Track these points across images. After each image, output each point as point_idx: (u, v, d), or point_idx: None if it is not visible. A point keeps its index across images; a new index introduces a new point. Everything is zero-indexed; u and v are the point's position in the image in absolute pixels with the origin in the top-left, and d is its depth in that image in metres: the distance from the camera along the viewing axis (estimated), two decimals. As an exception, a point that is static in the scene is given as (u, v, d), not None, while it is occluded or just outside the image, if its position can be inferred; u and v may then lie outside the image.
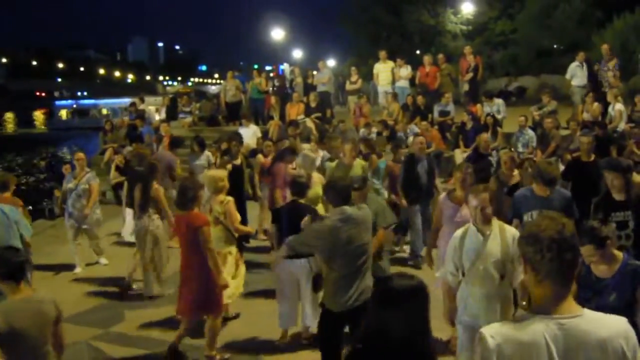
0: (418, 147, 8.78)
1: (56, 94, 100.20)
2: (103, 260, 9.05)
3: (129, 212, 8.80)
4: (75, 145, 26.20)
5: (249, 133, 13.20)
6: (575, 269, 2.28)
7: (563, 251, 2.21)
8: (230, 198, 6.72)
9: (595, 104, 13.02)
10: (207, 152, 11.05)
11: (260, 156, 10.29)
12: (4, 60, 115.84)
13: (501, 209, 6.74)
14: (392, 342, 2.43)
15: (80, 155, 9.22)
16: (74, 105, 52.51)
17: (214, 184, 6.69)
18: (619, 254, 4.17)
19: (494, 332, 2.24)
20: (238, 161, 9.74)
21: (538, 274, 2.26)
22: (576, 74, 14.79)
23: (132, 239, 8.83)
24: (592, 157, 7.62)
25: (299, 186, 6.23)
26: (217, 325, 5.94)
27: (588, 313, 2.26)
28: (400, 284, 2.54)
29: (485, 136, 10.41)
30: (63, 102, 62.77)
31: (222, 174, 7.07)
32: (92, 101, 55.03)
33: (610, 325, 2.26)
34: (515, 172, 7.73)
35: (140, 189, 7.73)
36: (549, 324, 2.19)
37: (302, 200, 6.23)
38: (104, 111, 43.33)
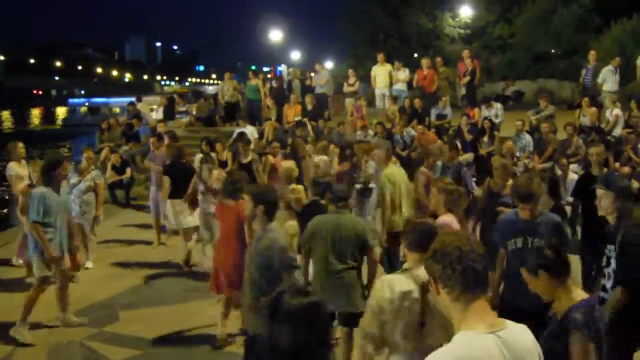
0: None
1: (53, 92, 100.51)
2: (89, 264, 9.00)
3: (170, 204, 9.12)
4: (81, 141, 26.72)
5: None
6: (487, 279, 2.20)
7: (473, 261, 2.15)
8: (301, 187, 7.13)
9: (593, 109, 13.05)
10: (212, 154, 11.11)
11: (270, 157, 10.36)
12: (1, 57, 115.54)
13: (490, 226, 5.90)
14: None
15: (90, 153, 9.38)
16: (86, 104, 54.20)
17: (288, 174, 7.36)
18: (575, 295, 3.35)
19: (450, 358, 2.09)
20: (247, 159, 9.94)
21: (452, 291, 2.17)
22: (608, 79, 14.58)
23: (175, 227, 9.29)
24: (604, 170, 6.67)
25: (321, 187, 6.27)
26: None
27: (508, 322, 2.20)
28: (290, 301, 2.20)
29: (510, 144, 9.93)
30: (76, 101, 65.91)
31: (294, 165, 7.80)
32: (103, 99, 56.79)
33: (526, 331, 2.24)
34: (510, 181, 6.56)
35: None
36: (492, 339, 2.10)
37: (323, 201, 6.24)
38: (116, 110, 44.17)
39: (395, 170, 7.26)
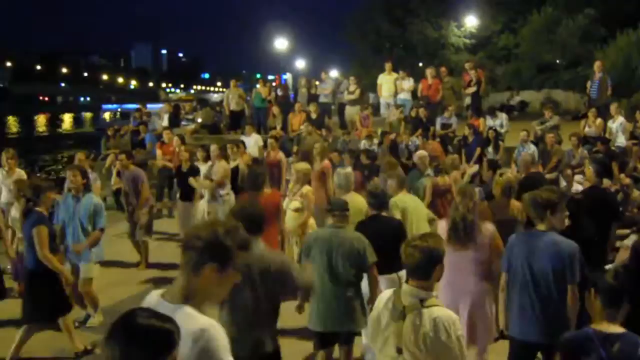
0: None
1: (59, 97, 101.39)
2: None
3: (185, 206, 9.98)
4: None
5: (251, 142, 13.22)
6: (190, 265, 2.42)
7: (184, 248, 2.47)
8: (309, 188, 7.75)
9: (599, 120, 13.02)
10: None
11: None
12: (8, 64, 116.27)
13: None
14: None
15: (81, 156, 9.41)
16: (119, 109, 56.62)
17: (304, 177, 7.69)
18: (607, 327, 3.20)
19: None
20: (235, 164, 10.11)
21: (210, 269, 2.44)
22: None
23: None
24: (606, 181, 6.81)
25: (380, 198, 5.90)
26: None
27: (185, 308, 2.38)
28: (142, 321, 1.99)
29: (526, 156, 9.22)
30: (109, 106, 72.33)
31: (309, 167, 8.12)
32: (134, 105, 60.48)
33: (194, 322, 2.35)
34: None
35: None
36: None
37: (384, 213, 5.97)
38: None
39: (406, 197, 6.85)
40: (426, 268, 3.21)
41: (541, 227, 4.38)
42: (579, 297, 4.13)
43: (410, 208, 6.63)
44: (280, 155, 11.38)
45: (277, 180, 10.88)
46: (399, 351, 3.19)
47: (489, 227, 4.97)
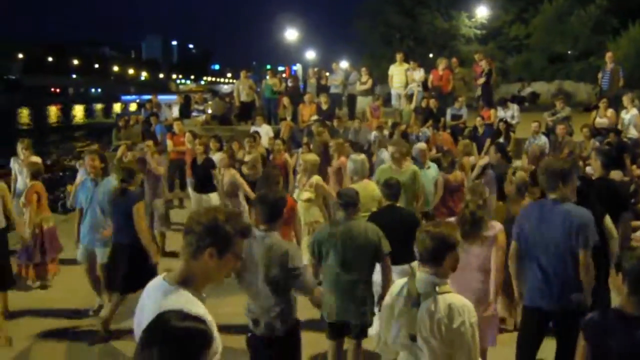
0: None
1: (70, 89, 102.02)
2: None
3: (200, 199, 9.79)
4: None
5: (261, 133, 13.24)
6: (190, 249, 2.47)
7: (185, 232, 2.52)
8: (318, 177, 7.74)
9: (610, 110, 12.93)
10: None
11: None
12: (19, 55, 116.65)
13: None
14: None
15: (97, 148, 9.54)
16: (137, 100, 58.89)
17: (312, 167, 7.75)
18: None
19: None
20: (249, 157, 10.17)
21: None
22: None
23: None
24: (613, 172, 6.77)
25: (394, 188, 5.88)
26: None
27: (181, 290, 2.44)
28: (178, 324, 1.98)
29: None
30: (128, 97, 76.04)
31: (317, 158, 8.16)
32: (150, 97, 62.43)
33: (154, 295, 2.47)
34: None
35: None
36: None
37: (399, 204, 5.97)
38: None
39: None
40: (437, 254, 3.21)
41: (553, 195, 4.36)
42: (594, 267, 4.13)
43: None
44: (286, 156, 11.33)
45: (285, 180, 10.90)
46: (413, 339, 3.20)
47: (496, 225, 4.88)
